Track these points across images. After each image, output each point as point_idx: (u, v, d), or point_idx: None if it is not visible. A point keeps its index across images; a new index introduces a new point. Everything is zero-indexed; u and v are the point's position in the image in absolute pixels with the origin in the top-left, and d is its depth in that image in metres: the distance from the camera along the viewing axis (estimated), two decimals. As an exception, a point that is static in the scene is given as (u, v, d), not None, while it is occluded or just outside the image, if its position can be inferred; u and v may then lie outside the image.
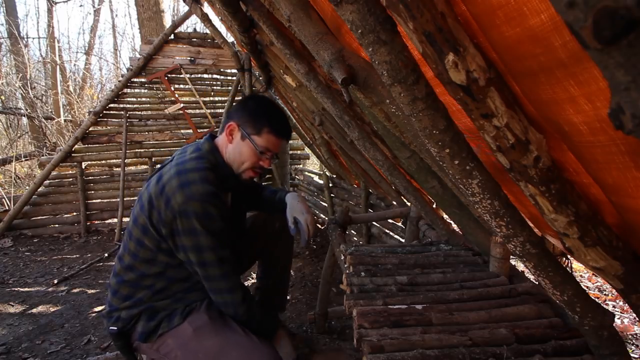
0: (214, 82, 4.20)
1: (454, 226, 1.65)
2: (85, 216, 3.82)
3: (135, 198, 1.50)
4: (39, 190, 3.71)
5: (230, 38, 4.05)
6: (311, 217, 1.43)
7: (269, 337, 1.25)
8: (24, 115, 6.53)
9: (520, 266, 2.40)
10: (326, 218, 3.84)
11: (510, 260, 1.25)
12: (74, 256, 3.27)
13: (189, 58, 3.97)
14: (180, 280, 1.22)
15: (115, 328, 1.23)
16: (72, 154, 3.76)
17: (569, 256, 1.50)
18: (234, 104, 3.92)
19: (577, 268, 2.69)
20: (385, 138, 1.30)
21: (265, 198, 1.58)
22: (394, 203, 2.55)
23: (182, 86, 4.10)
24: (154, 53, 3.84)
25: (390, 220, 2.54)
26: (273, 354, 1.12)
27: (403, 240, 2.21)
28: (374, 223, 2.84)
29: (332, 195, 3.66)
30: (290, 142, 4.35)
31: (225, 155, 1.25)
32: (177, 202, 1.09)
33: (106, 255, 3.18)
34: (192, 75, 4.04)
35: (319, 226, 1.49)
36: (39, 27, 10.26)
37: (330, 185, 3.67)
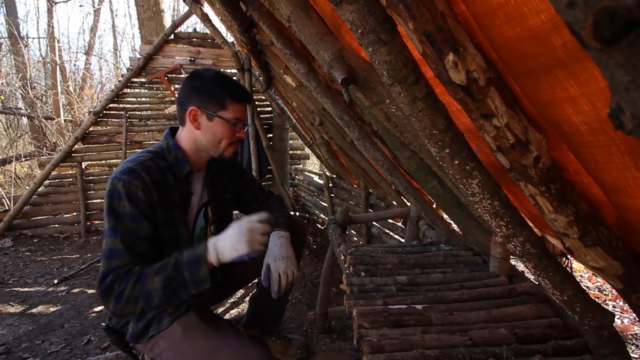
0: (214, 82, 4.19)
1: (454, 226, 1.65)
2: (85, 216, 3.82)
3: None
4: (39, 190, 3.71)
5: (230, 38, 4.05)
6: (288, 264, 1.25)
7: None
8: (24, 115, 6.51)
9: (520, 266, 2.39)
10: (326, 218, 3.84)
11: (510, 260, 1.25)
12: (74, 256, 3.27)
13: (189, 58, 3.96)
14: None
15: (105, 324, 1.26)
16: (72, 154, 3.75)
17: (569, 256, 1.50)
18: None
19: (577, 268, 2.69)
20: (385, 138, 1.30)
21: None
22: (394, 203, 2.55)
23: (182, 86, 4.09)
24: (154, 53, 3.84)
25: (390, 220, 2.54)
26: (264, 355, 1.10)
27: (403, 240, 2.21)
28: (374, 223, 2.83)
29: (332, 195, 3.66)
30: (290, 142, 4.35)
31: (194, 145, 1.21)
32: None
33: (106, 255, 3.18)
34: (192, 75, 4.03)
35: (295, 274, 1.32)
36: (39, 27, 10.24)
37: (330, 185, 3.67)
